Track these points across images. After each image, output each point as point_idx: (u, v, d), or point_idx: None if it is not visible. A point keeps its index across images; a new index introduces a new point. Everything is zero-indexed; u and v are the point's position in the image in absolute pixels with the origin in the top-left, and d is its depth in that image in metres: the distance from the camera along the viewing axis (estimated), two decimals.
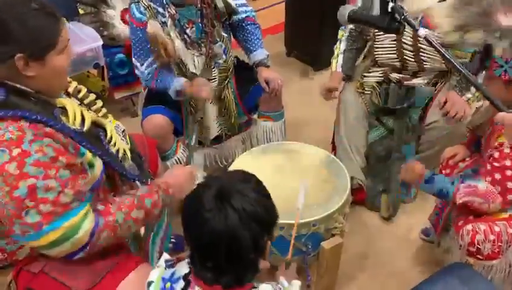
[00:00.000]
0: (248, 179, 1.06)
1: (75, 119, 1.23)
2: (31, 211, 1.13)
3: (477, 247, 1.54)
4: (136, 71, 2.10)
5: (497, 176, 1.48)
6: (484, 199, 1.51)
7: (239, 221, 0.97)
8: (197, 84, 2.03)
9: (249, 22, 2.22)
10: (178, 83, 2.03)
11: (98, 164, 1.27)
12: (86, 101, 1.40)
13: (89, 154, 1.24)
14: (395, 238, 2.17)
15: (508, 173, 1.46)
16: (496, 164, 1.48)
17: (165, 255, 1.18)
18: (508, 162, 1.45)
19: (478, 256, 1.55)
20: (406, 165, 1.78)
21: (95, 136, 1.29)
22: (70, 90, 1.37)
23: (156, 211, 1.37)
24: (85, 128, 1.25)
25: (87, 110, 1.37)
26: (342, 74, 2.23)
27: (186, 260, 1.09)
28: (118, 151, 1.37)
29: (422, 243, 2.14)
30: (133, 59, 2.07)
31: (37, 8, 1.14)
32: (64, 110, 1.23)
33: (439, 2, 1.85)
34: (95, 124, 1.32)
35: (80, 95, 1.39)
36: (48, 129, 1.15)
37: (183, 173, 1.50)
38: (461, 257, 1.60)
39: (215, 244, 0.99)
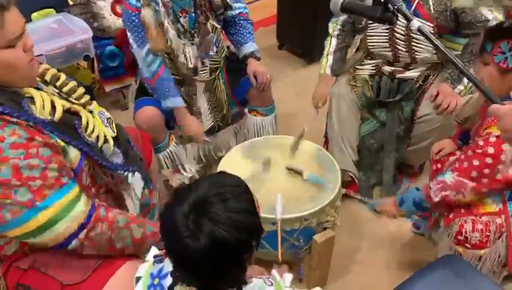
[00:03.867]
0: (227, 193, 0.97)
1: (44, 108, 1.18)
2: (21, 189, 1.10)
3: (465, 236, 1.55)
4: (138, 59, 2.04)
5: (476, 162, 1.48)
6: (455, 190, 1.52)
7: (212, 247, 0.91)
8: (192, 126, 2.12)
9: (241, 18, 2.23)
10: (174, 102, 2.04)
11: (74, 153, 1.24)
12: (65, 89, 1.35)
13: (60, 143, 1.20)
14: (386, 231, 2.18)
15: (488, 160, 1.45)
16: (478, 151, 1.48)
17: (154, 250, 1.17)
18: (490, 150, 1.45)
19: (466, 245, 1.56)
20: (379, 208, 1.85)
21: (68, 125, 1.24)
22: (48, 77, 1.32)
23: (151, 240, 1.34)
24: (56, 117, 1.20)
25: (67, 98, 1.32)
26: (331, 76, 2.23)
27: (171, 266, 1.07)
28: (97, 138, 1.32)
29: (413, 236, 2.15)
30: (132, 45, 2.01)
31: None
32: (33, 99, 1.18)
33: None
34: (70, 112, 1.27)
35: (59, 83, 1.34)
36: (13, 120, 1.11)
37: None
38: (450, 246, 1.61)
39: (198, 267, 0.95)
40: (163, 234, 1.00)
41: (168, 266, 1.07)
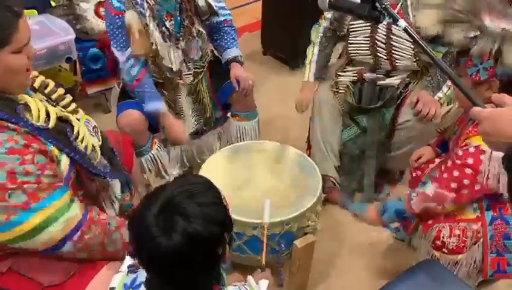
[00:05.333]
0: (194, 190, 0.98)
1: (39, 116, 1.20)
2: (16, 191, 1.11)
3: (442, 241, 1.58)
4: (119, 62, 2.04)
5: (456, 173, 1.50)
6: (436, 202, 1.54)
7: (185, 244, 0.91)
8: (175, 128, 2.09)
9: (226, 25, 2.24)
10: (156, 106, 2.03)
11: (64, 160, 1.25)
12: (53, 96, 1.36)
13: (54, 151, 1.21)
14: (367, 236, 2.19)
15: (467, 171, 1.48)
16: (457, 161, 1.50)
17: (128, 260, 1.16)
18: (470, 160, 1.47)
19: (444, 250, 1.58)
20: (360, 216, 1.85)
21: (61, 132, 1.26)
22: (37, 84, 1.33)
23: None
24: (50, 125, 1.21)
25: (55, 106, 1.33)
26: (314, 83, 2.25)
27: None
28: (86, 147, 1.34)
29: (393, 241, 2.17)
30: (113, 49, 2.03)
31: None
32: (27, 106, 1.20)
33: None
34: (62, 120, 1.29)
35: (47, 90, 1.36)
36: (11, 126, 1.12)
37: None
38: (428, 251, 1.64)
39: (169, 267, 0.94)
40: (132, 240, 0.98)
41: (142, 276, 1.07)
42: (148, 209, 0.95)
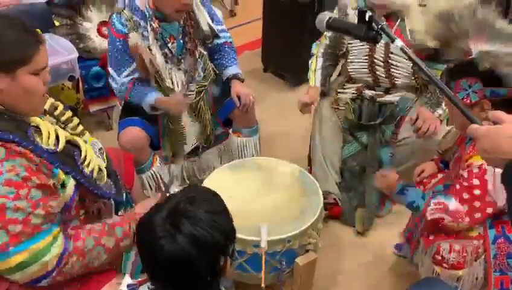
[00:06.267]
0: (201, 197, 1.02)
1: (48, 138, 1.22)
2: None
3: (442, 255, 1.57)
4: (111, 82, 2.09)
5: (465, 195, 1.50)
6: (453, 218, 1.52)
7: (190, 247, 0.93)
8: (172, 100, 2.06)
9: (226, 46, 2.28)
10: (152, 97, 2.02)
11: (71, 183, 1.26)
12: (62, 119, 1.39)
13: (61, 174, 1.23)
14: (369, 253, 2.18)
15: (476, 192, 1.48)
16: (465, 184, 1.50)
17: (127, 279, 1.17)
18: (476, 182, 1.47)
19: (444, 265, 1.57)
20: (380, 173, 1.79)
21: (69, 156, 1.28)
22: (47, 107, 1.36)
23: (126, 241, 1.37)
24: (59, 149, 1.24)
25: (63, 128, 1.36)
26: (320, 88, 2.26)
27: (147, 285, 1.07)
28: (92, 170, 1.35)
29: (396, 258, 2.16)
30: (110, 69, 2.07)
31: (16, 23, 1.17)
32: (38, 129, 1.22)
33: (420, 5, 1.89)
34: (70, 143, 1.31)
35: (57, 112, 1.38)
36: (21, 149, 1.14)
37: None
38: (429, 266, 1.62)
39: (170, 271, 0.96)
40: (138, 241, 1.01)
41: None
42: (157, 214, 0.98)
